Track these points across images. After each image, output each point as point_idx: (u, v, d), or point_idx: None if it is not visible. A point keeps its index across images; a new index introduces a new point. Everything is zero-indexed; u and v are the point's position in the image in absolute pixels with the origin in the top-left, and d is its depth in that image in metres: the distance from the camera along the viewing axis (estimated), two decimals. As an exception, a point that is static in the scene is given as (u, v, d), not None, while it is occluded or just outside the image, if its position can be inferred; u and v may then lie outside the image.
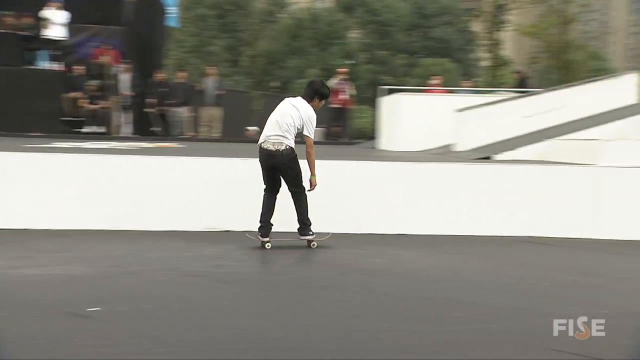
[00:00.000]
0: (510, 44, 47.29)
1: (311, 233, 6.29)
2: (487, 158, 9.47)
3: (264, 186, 6.28)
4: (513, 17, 33.56)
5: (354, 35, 40.15)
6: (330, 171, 7.43)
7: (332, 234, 6.50)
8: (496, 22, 32.31)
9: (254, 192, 7.15)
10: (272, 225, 6.21)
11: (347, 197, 7.32)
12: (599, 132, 9.80)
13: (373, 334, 3.79)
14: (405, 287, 5.00)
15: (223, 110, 15.13)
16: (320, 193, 6.53)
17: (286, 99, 6.39)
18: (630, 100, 12.11)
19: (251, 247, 6.25)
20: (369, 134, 20.41)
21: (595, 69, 33.10)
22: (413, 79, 32.46)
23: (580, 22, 33.33)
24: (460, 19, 40.43)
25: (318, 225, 6.37)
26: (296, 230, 6.28)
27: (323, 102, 6.40)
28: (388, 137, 13.76)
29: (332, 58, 35.13)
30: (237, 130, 19.63)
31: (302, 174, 6.20)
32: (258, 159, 6.24)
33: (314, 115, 6.18)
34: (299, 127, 6.12)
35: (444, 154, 11.15)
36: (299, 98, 6.29)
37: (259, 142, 6.21)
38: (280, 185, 6.28)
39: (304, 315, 4.17)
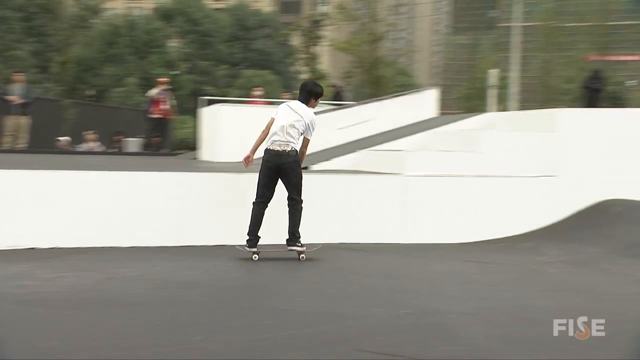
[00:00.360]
0: (327, 59, 49.37)
1: (300, 244, 6.48)
2: (305, 168, 9.75)
3: (256, 199, 6.45)
4: (328, 33, 35.18)
5: (174, 44, 39.49)
6: (150, 183, 7.25)
7: (180, 246, 6.50)
8: (312, 37, 33.69)
9: (60, 205, 6.76)
10: (260, 237, 6.40)
11: (168, 210, 7.15)
12: (405, 143, 10.54)
13: (183, 346, 3.75)
14: (221, 298, 4.99)
15: (31, 119, 14.07)
16: (136, 205, 6.31)
17: (285, 105, 6.59)
18: (432, 113, 13.21)
19: (57, 265, 5.86)
20: (191, 145, 20.18)
21: (403, 84, 35.69)
22: (235, 89, 32.64)
23: (388, 40, 35.74)
24: (280, 33, 41.46)
25: (118, 238, 6.28)
26: (285, 242, 6.50)
27: (319, 100, 6.67)
28: (209, 148, 13.67)
29: (151, 67, 34.22)
30: (46, 140, 18.34)
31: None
32: (260, 166, 6.42)
33: (316, 120, 6.51)
34: (302, 132, 6.40)
35: (264, 164, 11.31)
36: (297, 102, 6.53)
37: (266, 146, 6.41)
38: (272, 197, 6.45)
39: (117, 332, 4.00)
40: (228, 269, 6.19)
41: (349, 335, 4.02)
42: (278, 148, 6.33)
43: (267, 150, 6.39)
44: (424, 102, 13.33)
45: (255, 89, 17.38)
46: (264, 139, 6.50)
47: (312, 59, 34.10)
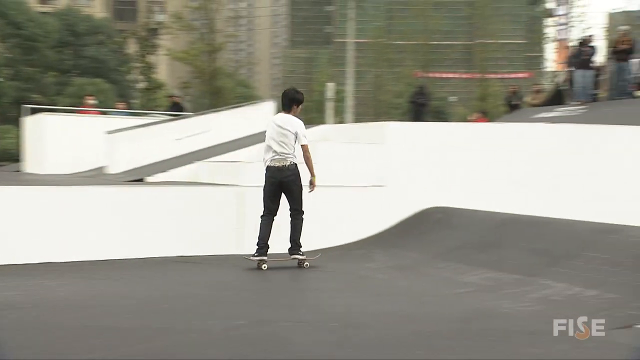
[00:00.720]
0: (164, 68, 48.28)
1: (301, 253, 6.87)
2: (140, 180, 9.47)
3: (262, 212, 6.82)
4: (165, 42, 34.42)
5: (-5, 48, 36.54)
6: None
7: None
8: (148, 46, 32.75)
9: None
10: (269, 247, 6.71)
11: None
12: (242, 154, 10.58)
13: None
14: (44, 319, 4.67)
15: None
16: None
17: (271, 122, 6.91)
18: (269, 125, 13.39)
19: None
20: (15, 156, 18.87)
21: (243, 95, 35.84)
22: (66, 98, 30.93)
23: (228, 51, 35.73)
24: (114, 40, 39.87)
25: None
26: (287, 250, 6.90)
27: (300, 107, 6.96)
28: (34, 159, 12.84)
29: (-33, 71, 31.40)
30: None
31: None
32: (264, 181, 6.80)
33: (302, 124, 6.80)
34: (295, 143, 6.73)
35: (95, 176, 10.82)
36: (281, 115, 6.86)
37: (265, 164, 6.80)
38: (278, 208, 6.84)
39: None
40: (53, 288, 5.82)
41: (179, 350, 3.95)
42: (278, 164, 6.72)
43: (268, 168, 6.81)
44: (261, 114, 13.47)
45: (87, 97, 16.64)
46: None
47: (149, 68, 33.14)
